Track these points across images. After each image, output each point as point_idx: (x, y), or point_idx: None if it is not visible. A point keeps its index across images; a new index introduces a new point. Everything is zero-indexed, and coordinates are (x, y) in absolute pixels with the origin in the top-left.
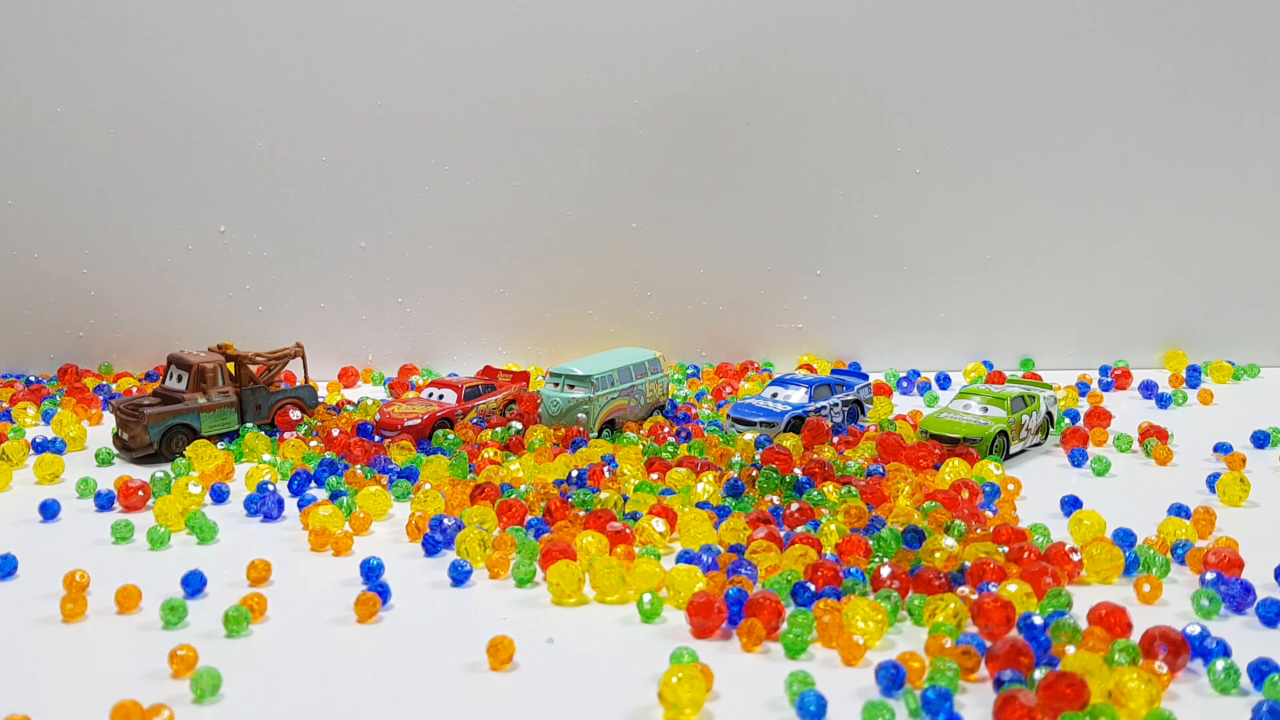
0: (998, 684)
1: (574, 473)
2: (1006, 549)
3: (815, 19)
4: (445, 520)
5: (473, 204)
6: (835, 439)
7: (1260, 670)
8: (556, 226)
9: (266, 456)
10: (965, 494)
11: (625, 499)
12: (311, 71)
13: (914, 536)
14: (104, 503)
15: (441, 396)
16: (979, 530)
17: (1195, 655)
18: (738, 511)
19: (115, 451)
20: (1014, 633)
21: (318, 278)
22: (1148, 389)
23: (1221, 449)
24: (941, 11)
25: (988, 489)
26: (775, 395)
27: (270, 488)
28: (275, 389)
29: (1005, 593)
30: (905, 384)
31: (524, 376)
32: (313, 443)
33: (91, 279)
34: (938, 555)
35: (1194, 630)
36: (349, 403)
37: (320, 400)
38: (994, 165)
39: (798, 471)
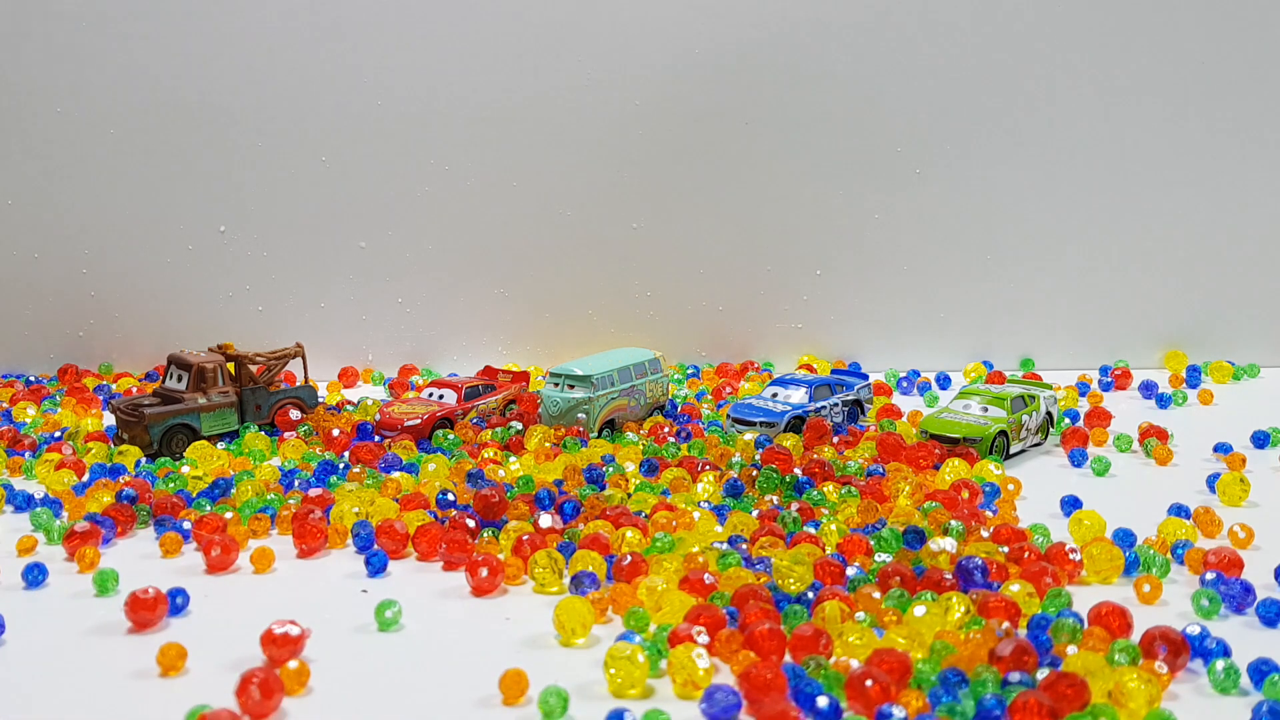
0: (1004, 685)
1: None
2: (1007, 549)
3: (815, 19)
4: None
5: (473, 204)
6: (835, 439)
7: (1260, 670)
8: (556, 226)
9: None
10: (965, 494)
11: (625, 499)
12: (311, 71)
13: (914, 537)
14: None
15: (441, 396)
16: (978, 529)
17: (1195, 655)
18: (738, 509)
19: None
20: (1020, 633)
21: (318, 278)
22: (1148, 389)
23: (1221, 449)
24: (942, 12)
25: (987, 489)
26: (775, 395)
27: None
28: (275, 389)
29: (1008, 592)
30: (905, 384)
31: (524, 376)
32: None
33: (91, 279)
34: (939, 556)
35: (1194, 630)
36: (349, 403)
37: (320, 400)
38: (994, 166)
39: (798, 471)
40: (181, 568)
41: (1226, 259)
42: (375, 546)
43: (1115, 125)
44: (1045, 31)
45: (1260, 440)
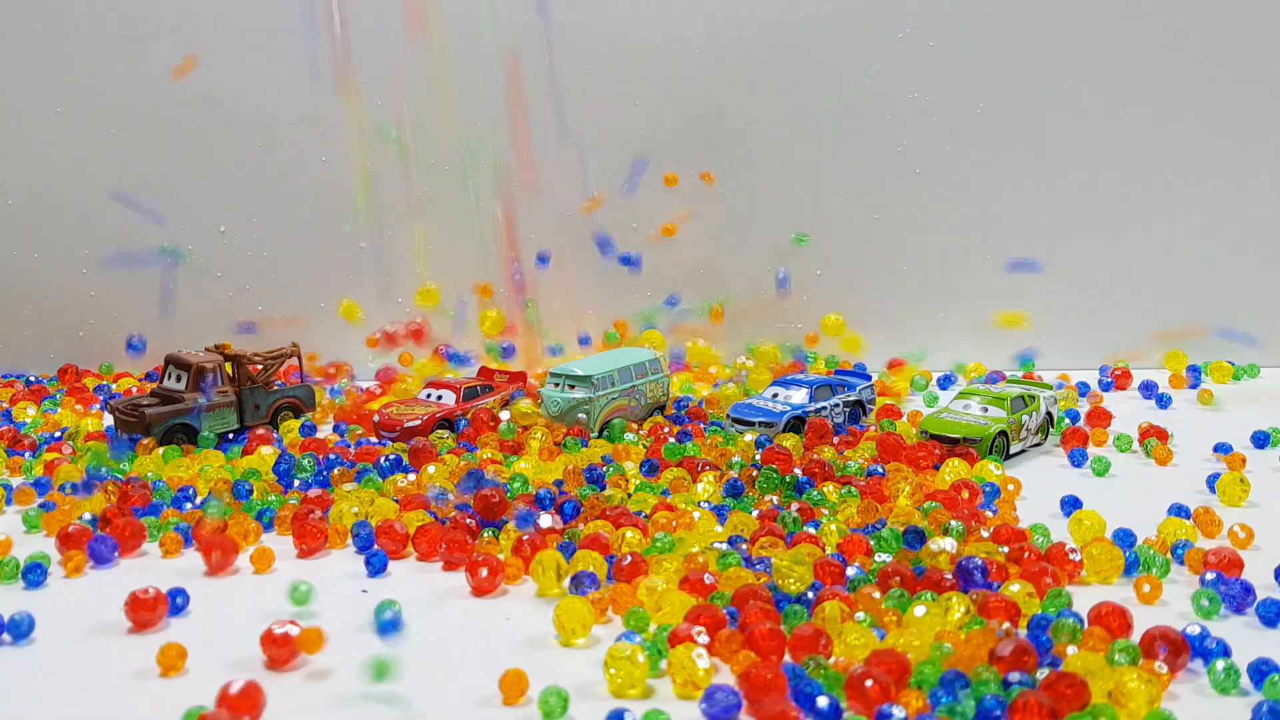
0: (1005, 685)
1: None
2: (1007, 549)
3: (815, 19)
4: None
5: (472, 204)
6: (835, 439)
7: (1260, 670)
8: (557, 226)
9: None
10: (965, 494)
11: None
12: (311, 71)
13: (914, 537)
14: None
15: (440, 397)
16: (978, 529)
17: (1195, 655)
18: (738, 510)
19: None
20: (1019, 633)
21: (318, 278)
22: (1148, 389)
23: (1221, 449)
24: (942, 12)
25: (988, 489)
26: (776, 395)
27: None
28: (270, 388)
29: (1008, 592)
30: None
31: (520, 377)
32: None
33: (91, 279)
34: (939, 556)
35: (1194, 630)
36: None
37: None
38: (994, 166)
39: (798, 471)
40: (181, 568)
41: (1228, 259)
42: (375, 547)
43: (1116, 125)
44: (1046, 31)
45: (1260, 440)
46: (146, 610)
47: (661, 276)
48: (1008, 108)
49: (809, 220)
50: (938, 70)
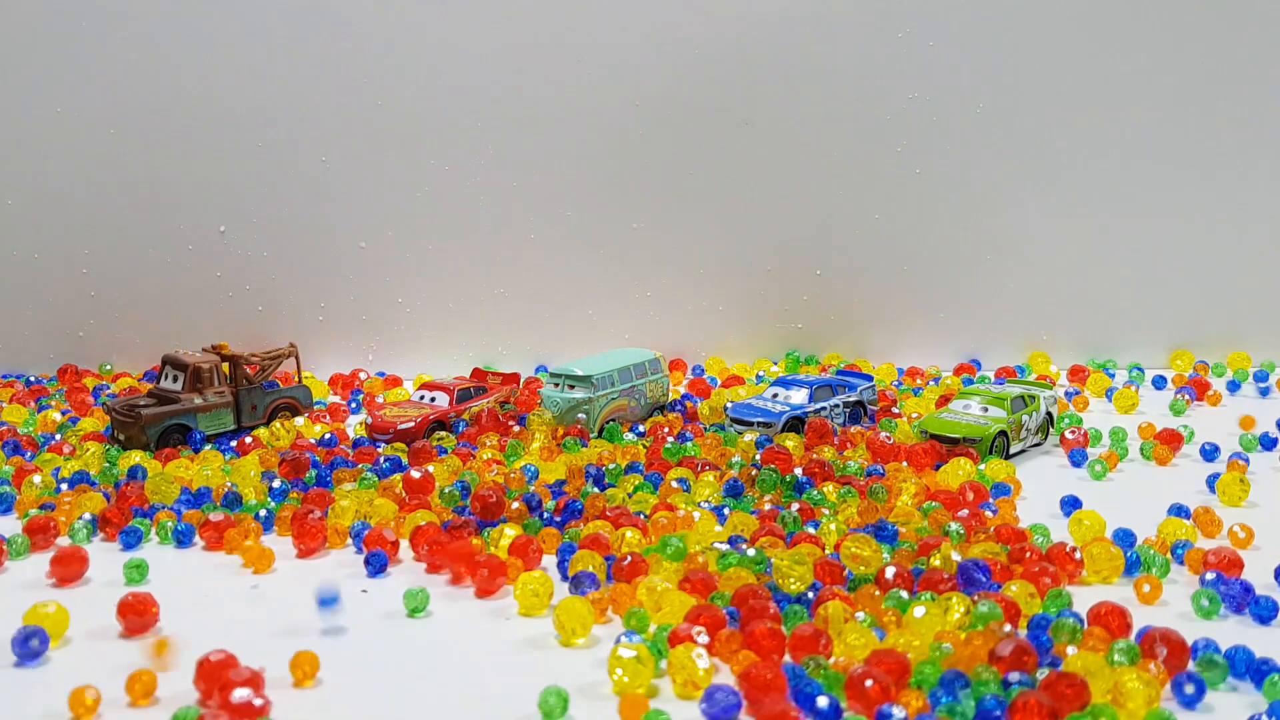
0: (1005, 686)
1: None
2: (1008, 549)
3: (815, 17)
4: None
5: (473, 204)
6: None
7: (1260, 670)
8: (556, 226)
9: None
10: (971, 495)
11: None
12: (311, 71)
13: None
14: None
15: (433, 399)
16: (980, 533)
17: (1195, 655)
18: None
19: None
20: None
21: (318, 278)
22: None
23: (1217, 450)
24: (942, 10)
25: (995, 488)
26: (776, 396)
27: None
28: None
29: (1008, 592)
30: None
31: (514, 378)
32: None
33: (91, 279)
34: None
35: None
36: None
37: (314, 404)
38: (994, 165)
39: (798, 471)
40: (180, 567)
41: (1234, 258)
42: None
43: (1117, 123)
44: (1047, 29)
45: (1264, 442)
46: (136, 615)
47: (660, 276)
48: (1008, 108)
49: (809, 219)
50: (938, 70)
